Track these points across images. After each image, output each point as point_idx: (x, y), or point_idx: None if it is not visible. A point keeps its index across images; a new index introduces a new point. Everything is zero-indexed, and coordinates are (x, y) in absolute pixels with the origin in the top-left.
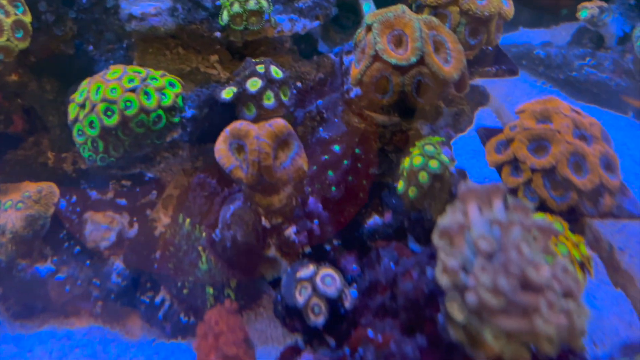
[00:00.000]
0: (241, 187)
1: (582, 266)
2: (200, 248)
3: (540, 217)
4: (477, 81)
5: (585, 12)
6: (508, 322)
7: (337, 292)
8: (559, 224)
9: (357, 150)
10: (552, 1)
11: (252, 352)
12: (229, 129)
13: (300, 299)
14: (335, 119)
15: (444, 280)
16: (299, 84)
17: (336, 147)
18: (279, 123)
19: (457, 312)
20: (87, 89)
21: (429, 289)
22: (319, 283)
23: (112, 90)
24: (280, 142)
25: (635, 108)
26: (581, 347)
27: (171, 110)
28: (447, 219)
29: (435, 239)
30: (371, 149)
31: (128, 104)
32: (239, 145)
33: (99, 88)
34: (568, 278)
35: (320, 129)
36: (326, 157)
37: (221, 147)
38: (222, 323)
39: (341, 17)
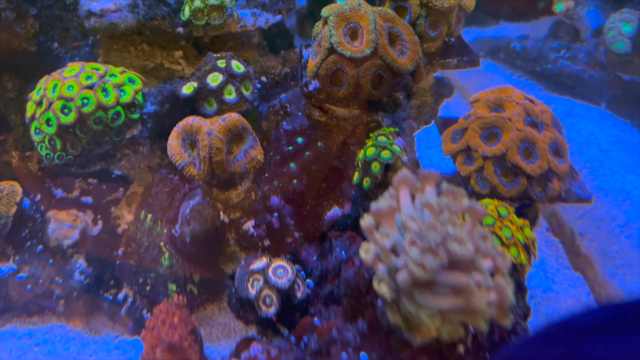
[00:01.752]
0: (200, 183)
1: (527, 248)
2: (162, 244)
3: (469, 201)
4: (445, 74)
5: (560, 5)
6: (440, 301)
7: (289, 282)
8: (503, 209)
9: (319, 144)
10: None
11: (198, 346)
12: (181, 124)
13: (252, 291)
14: (299, 113)
15: (367, 257)
16: (263, 78)
17: (299, 139)
18: (233, 117)
19: (385, 290)
20: (44, 87)
21: (369, 274)
22: (271, 275)
23: (69, 88)
24: (235, 136)
25: (608, 99)
26: (508, 322)
27: (130, 106)
28: (379, 202)
29: (365, 221)
30: (333, 142)
31: (85, 101)
32: (191, 141)
33: (55, 85)
34: (494, 252)
35: (284, 123)
36: (290, 148)
37: (173, 144)
38: (169, 316)
39: (317, 11)
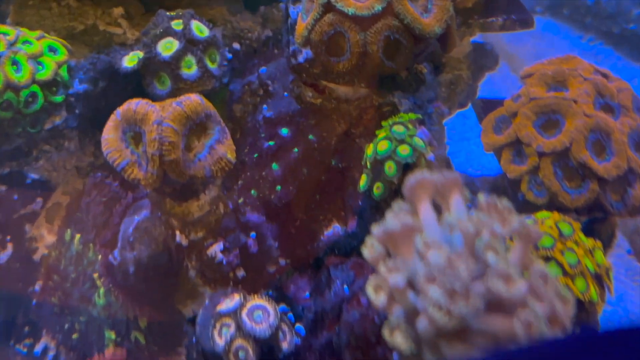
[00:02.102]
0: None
1: (599, 279)
2: (95, 275)
3: (518, 217)
4: (487, 38)
5: None
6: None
7: (270, 329)
8: (566, 225)
9: (310, 136)
10: None
11: None
12: (121, 110)
13: (219, 340)
14: (285, 93)
15: (378, 299)
16: (236, 45)
17: (284, 131)
18: (192, 100)
19: (401, 341)
20: None
21: (381, 318)
22: (245, 318)
23: None
24: (195, 126)
25: None
26: None
27: (51, 85)
28: (389, 220)
29: (369, 248)
30: (331, 133)
31: None
32: (135, 133)
33: None
34: (551, 294)
35: (264, 106)
36: (270, 143)
37: (110, 137)
38: None
39: None
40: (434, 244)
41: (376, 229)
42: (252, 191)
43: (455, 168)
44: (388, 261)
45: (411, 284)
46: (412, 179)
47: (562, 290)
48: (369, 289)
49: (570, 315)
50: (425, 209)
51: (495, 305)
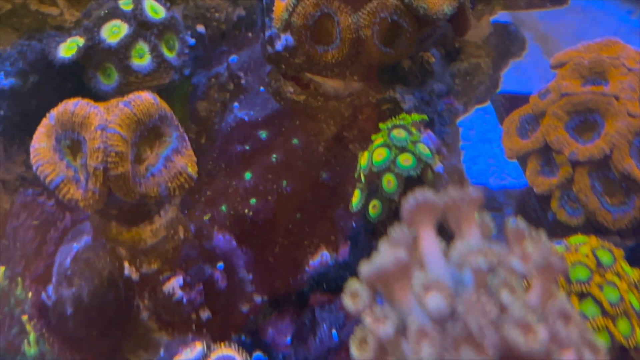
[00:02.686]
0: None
1: None
2: (24, 318)
3: (545, 246)
4: (512, 17)
5: None
6: None
7: None
8: (606, 253)
9: (295, 141)
10: None
11: None
12: (54, 113)
13: None
14: (260, 88)
15: (363, 356)
16: (201, 28)
17: (261, 133)
18: (143, 100)
19: None
20: None
21: None
22: None
23: None
24: (148, 132)
25: None
26: None
27: None
28: (382, 254)
29: (353, 296)
30: (318, 138)
31: None
32: (73, 141)
33: None
34: (580, 340)
35: (235, 104)
36: (247, 147)
37: (41, 146)
38: None
39: None
40: (436, 285)
41: (365, 268)
42: (222, 207)
43: (474, 178)
44: (375, 308)
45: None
46: (411, 200)
47: (589, 332)
48: (353, 345)
49: None
50: (428, 239)
51: (511, 355)
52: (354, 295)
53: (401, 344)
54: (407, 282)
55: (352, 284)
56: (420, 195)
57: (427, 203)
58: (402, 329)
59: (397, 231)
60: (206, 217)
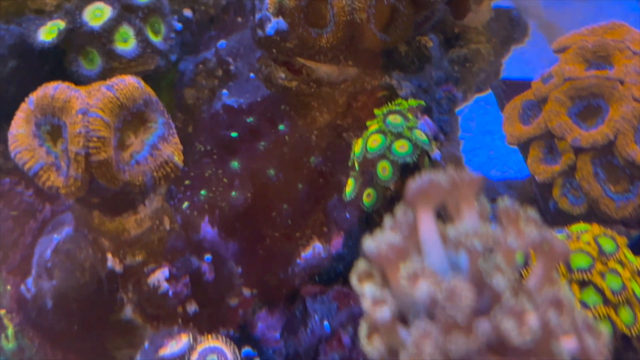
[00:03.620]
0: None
1: None
2: (2, 312)
3: (539, 229)
4: (515, 1)
5: None
6: None
7: None
8: (609, 241)
9: (281, 127)
10: None
11: None
12: (34, 97)
13: None
14: (250, 74)
15: (372, 347)
16: (187, 12)
17: (252, 122)
18: (127, 83)
19: None
20: None
21: None
22: None
23: None
24: (132, 117)
25: None
26: None
27: None
28: (379, 238)
29: (358, 275)
30: (311, 126)
31: None
32: (53, 126)
33: None
34: (578, 324)
35: (224, 91)
36: (235, 135)
37: (19, 132)
38: None
39: None
40: (425, 272)
41: (365, 247)
42: (203, 192)
43: (475, 170)
44: (375, 291)
45: (403, 315)
46: (414, 183)
47: (589, 319)
48: (363, 337)
49: (603, 352)
50: (426, 222)
51: (506, 348)
52: (357, 273)
53: (396, 331)
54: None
55: (359, 265)
56: (424, 180)
57: (432, 185)
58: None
59: (398, 214)
60: (191, 209)
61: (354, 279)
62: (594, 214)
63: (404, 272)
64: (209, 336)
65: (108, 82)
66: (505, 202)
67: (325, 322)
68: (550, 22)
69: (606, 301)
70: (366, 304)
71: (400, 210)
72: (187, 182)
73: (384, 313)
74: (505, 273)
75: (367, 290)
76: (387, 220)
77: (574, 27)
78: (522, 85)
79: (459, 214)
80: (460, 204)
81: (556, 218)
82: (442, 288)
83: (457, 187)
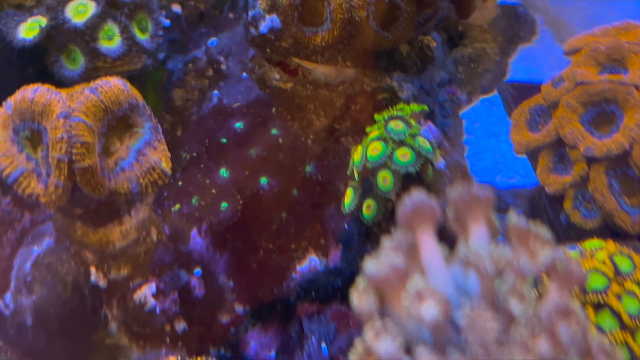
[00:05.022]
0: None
1: None
2: None
3: (552, 249)
4: None
5: None
6: None
7: None
8: (625, 259)
9: (274, 131)
10: None
11: None
12: (12, 101)
13: None
14: (243, 74)
15: None
16: (176, 8)
17: (238, 125)
18: (112, 86)
19: None
20: None
21: None
22: None
23: None
24: (115, 121)
25: None
26: None
27: None
28: (379, 261)
29: (359, 298)
30: (306, 130)
31: None
32: (33, 131)
33: None
34: (596, 349)
35: (215, 92)
36: (225, 140)
37: None
38: None
39: None
40: (430, 294)
41: (365, 269)
42: (195, 200)
43: (479, 175)
44: (376, 321)
45: (409, 346)
46: (407, 202)
47: (605, 345)
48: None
49: None
50: (427, 244)
51: None
52: (357, 296)
53: None
54: (402, 291)
55: (358, 286)
56: (417, 196)
57: (425, 204)
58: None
59: (393, 236)
60: (179, 215)
61: (354, 298)
62: (608, 228)
63: (408, 292)
64: (199, 358)
65: (92, 84)
66: (515, 219)
67: (323, 345)
68: (558, 18)
69: (623, 326)
70: (368, 334)
71: (399, 230)
72: (175, 190)
73: (388, 346)
74: (525, 298)
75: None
76: (386, 241)
77: (582, 24)
78: (531, 88)
79: (465, 232)
80: (468, 221)
81: (568, 232)
82: (464, 314)
83: (465, 204)
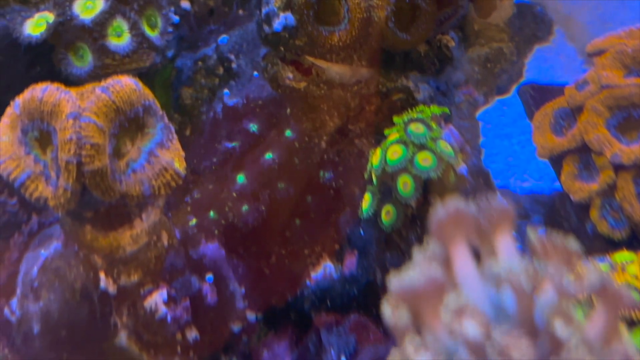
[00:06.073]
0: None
1: None
2: None
3: (598, 271)
4: None
5: None
6: None
7: None
8: None
9: (288, 133)
10: None
11: None
12: (20, 100)
13: None
14: (254, 73)
15: None
16: (185, 3)
17: (253, 127)
18: (124, 85)
19: None
20: None
21: None
22: None
23: None
24: (127, 122)
25: None
26: None
27: None
28: (412, 273)
29: (388, 311)
30: (320, 131)
31: None
32: (42, 132)
33: None
34: None
35: (225, 91)
36: (234, 144)
37: (3, 140)
38: None
39: None
40: (470, 311)
41: (394, 283)
42: (211, 213)
43: (493, 179)
44: (415, 335)
45: None
46: (442, 211)
47: None
48: None
49: None
50: (461, 256)
51: None
52: (390, 309)
53: None
54: (439, 304)
55: (390, 299)
56: (452, 204)
57: (461, 214)
58: None
59: (426, 247)
60: (192, 223)
61: (387, 311)
62: (636, 239)
63: (447, 307)
64: None
65: (103, 83)
66: (538, 232)
67: (343, 358)
68: (569, 16)
69: None
70: (409, 349)
71: (430, 242)
72: (187, 193)
73: None
74: (572, 321)
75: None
76: (418, 252)
77: (594, 22)
78: (552, 90)
79: (490, 246)
80: (493, 236)
81: (594, 243)
82: (492, 338)
83: (489, 217)
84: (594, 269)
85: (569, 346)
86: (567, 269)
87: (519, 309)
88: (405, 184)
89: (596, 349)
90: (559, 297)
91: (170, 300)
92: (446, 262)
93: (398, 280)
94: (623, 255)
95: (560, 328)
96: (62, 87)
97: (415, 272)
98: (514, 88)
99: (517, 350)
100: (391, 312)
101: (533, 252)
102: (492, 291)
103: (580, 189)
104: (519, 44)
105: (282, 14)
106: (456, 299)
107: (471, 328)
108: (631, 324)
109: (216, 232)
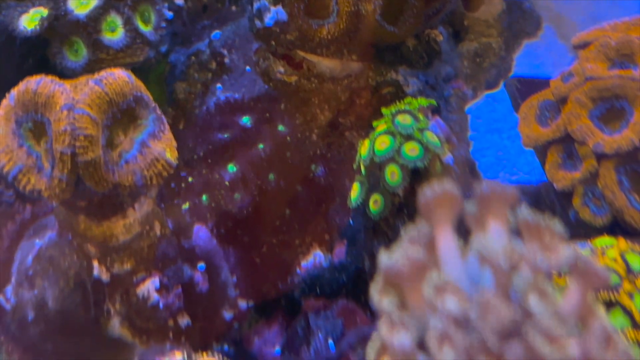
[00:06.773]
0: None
1: None
2: None
3: (570, 247)
4: None
5: None
6: None
7: None
8: (637, 258)
9: (280, 127)
10: None
11: None
12: (15, 92)
13: None
14: (246, 67)
15: None
16: (179, 0)
17: (245, 120)
18: (117, 77)
19: None
20: None
21: None
22: None
23: None
24: (120, 114)
25: None
26: None
27: None
28: (396, 254)
29: (375, 293)
30: (311, 124)
31: None
32: (36, 123)
33: None
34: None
35: (218, 85)
36: (225, 135)
37: None
38: None
39: None
40: (450, 287)
41: (381, 263)
42: (203, 199)
43: (482, 172)
44: (392, 314)
45: (422, 344)
46: (428, 191)
47: (633, 354)
48: (369, 353)
49: None
50: (445, 237)
51: None
52: (377, 291)
53: (417, 358)
54: (421, 283)
55: (378, 281)
56: (439, 186)
57: (447, 195)
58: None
59: (412, 228)
60: (184, 210)
61: (374, 295)
62: (618, 226)
63: (428, 284)
64: (205, 354)
65: (96, 75)
66: (526, 213)
67: (330, 341)
68: (560, 14)
69: (635, 324)
70: (383, 328)
71: (417, 223)
72: (178, 184)
73: (402, 339)
74: (545, 294)
75: (385, 307)
76: (404, 234)
77: (585, 20)
78: (538, 83)
79: (482, 227)
80: (487, 217)
81: (577, 229)
82: (474, 303)
83: (488, 200)
84: (568, 247)
85: (538, 317)
86: (545, 248)
87: (497, 286)
88: (392, 174)
89: (569, 322)
90: (534, 273)
91: (162, 288)
92: (432, 242)
93: (386, 260)
94: (603, 240)
95: (534, 302)
96: (57, 79)
97: (396, 253)
98: (502, 83)
99: (498, 310)
100: (378, 294)
101: (519, 232)
102: (474, 270)
103: (563, 177)
104: (507, 39)
105: (273, 9)
106: (437, 277)
107: (452, 303)
108: (609, 305)
109: (208, 216)
